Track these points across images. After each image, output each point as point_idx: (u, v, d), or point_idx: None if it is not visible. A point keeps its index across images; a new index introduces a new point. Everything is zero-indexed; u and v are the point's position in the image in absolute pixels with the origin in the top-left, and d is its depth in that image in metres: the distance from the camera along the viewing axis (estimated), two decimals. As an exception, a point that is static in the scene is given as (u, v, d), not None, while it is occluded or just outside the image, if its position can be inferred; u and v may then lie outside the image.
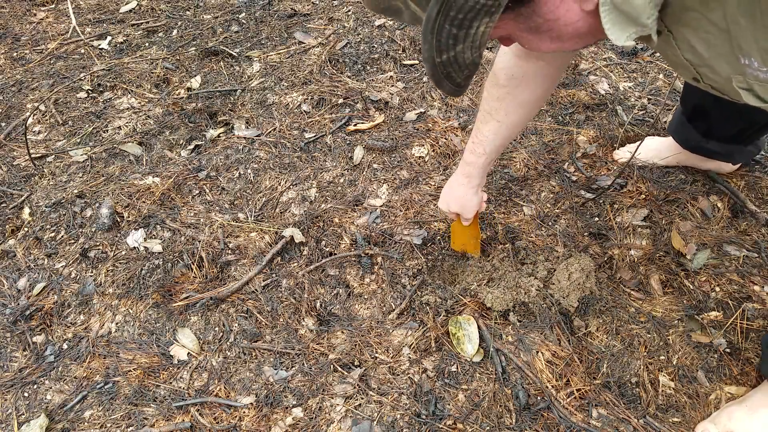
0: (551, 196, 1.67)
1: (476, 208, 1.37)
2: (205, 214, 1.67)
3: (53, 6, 2.68)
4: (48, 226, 1.66)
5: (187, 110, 2.02)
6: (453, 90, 0.73)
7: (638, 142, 1.60)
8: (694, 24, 0.71)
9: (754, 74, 0.71)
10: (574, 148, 1.80)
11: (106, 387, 1.32)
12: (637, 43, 0.73)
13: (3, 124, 2.04)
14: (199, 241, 1.58)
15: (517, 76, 1.11)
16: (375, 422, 1.22)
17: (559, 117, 1.93)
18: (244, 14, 2.52)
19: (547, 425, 1.20)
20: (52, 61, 2.32)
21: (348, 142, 1.88)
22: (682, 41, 0.76)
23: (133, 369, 1.35)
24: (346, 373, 1.30)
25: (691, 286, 1.42)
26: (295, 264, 1.53)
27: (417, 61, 2.19)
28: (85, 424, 1.27)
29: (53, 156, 1.90)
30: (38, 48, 2.41)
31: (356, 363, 1.32)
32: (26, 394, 1.33)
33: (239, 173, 1.79)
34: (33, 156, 1.87)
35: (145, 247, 1.58)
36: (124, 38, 2.43)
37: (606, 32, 0.69)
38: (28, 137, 1.94)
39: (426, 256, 1.52)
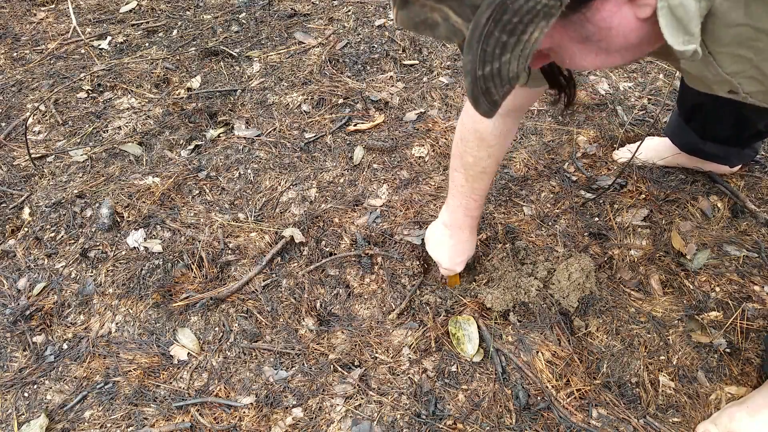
0: (551, 196, 1.66)
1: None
2: (205, 214, 1.67)
3: (53, 6, 2.68)
4: (48, 226, 1.66)
5: (187, 110, 2.02)
6: (489, 109, 0.69)
7: (638, 142, 1.60)
8: (740, 38, 0.69)
9: None
10: (574, 148, 1.80)
11: (106, 387, 1.32)
12: (697, 48, 0.70)
13: (3, 124, 2.04)
14: (199, 241, 1.58)
15: (503, 132, 1.20)
16: (375, 422, 1.22)
17: (559, 117, 1.93)
18: (244, 14, 2.52)
19: (547, 425, 1.20)
20: (52, 61, 2.32)
21: (348, 142, 1.88)
22: (725, 57, 0.74)
23: (133, 369, 1.35)
24: (346, 373, 1.30)
25: (691, 286, 1.42)
26: (295, 264, 1.53)
27: (417, 61, 2.19)
28: (85, 424, 1.27)
29: (53, 156, 1.89)
30: (38, 48, 2.41)
31: (356, 363, 1.32)
32: (26, 394, 1.33)
33: (239, 173, 1.79)
34: (33, 156, 1.87)
35: (145, 247, 1.58)
36: (124, 38, 2.43)
37: (665, 36, 0.66)
38: (28, 137, 1.94)
39: (426, 256, 1.52)
